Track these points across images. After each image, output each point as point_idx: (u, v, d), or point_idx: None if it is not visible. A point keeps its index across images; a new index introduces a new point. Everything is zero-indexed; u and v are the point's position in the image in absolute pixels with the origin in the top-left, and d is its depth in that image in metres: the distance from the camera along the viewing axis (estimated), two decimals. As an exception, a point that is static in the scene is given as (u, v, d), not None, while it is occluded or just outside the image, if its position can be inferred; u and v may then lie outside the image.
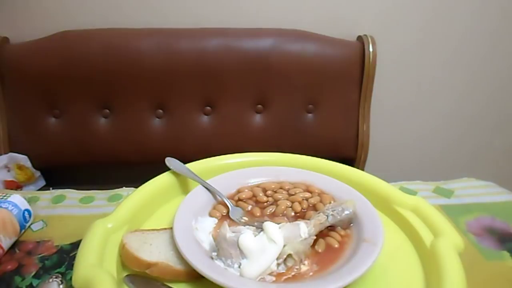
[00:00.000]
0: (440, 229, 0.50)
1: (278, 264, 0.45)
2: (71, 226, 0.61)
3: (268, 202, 0.56)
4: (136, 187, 0.58)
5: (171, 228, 0.48)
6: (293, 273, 0.44)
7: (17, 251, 0.56)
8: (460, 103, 1.33)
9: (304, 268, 0.45)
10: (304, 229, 0.46)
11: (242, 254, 0.44)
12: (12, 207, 0.57)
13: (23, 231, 0.58)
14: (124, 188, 0.71)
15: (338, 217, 0.50)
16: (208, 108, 1.13)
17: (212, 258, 0.45)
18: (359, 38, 1.15)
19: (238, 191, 0.58)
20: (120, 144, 1.13)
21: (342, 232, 0.50)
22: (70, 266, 0.52)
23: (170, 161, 0.62)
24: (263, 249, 0.44)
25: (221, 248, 0.45)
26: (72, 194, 0.69)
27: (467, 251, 0.50)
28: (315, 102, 1.15)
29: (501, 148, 1.42)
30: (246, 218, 0.54)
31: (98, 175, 1.18)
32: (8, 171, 1.07)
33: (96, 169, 1.21)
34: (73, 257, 0.49)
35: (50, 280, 0.46)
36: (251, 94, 1.13)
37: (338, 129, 1.18)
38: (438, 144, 1.39)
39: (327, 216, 0.49)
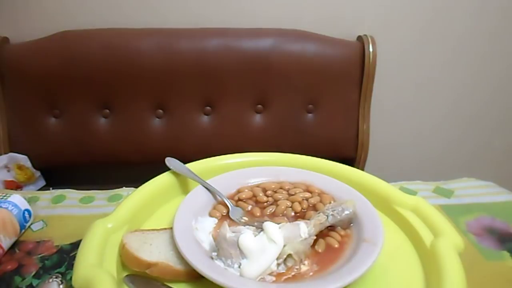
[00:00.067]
0: (440, 229, 0.50)
1: (278, 264, 0.45)
2: (71, 226, 0.61)
3: (268, 202, 0.56)
4: (136, 187, 0.58)
5: (171, 228, 0.48)
6: (293, 273, 0.44)
7: (17, 251, 0.56)
8: (460, 103, 1.33)
9: (304, 268, 0.45)
10: (304, 229, 0.46)
11: (242, 254, 0.44)
12: (12, 207, 0.57)
13: (23, 231, 0.58)
14: (124, 188, 0.71)
15: (338, 217, 0.50)
16: (208, 108, 1.13)
17: (212, 258, 0.45)
18: (359, 38, 1.15)
19: (238, 191, 0.58)
20: (120, 144, 1.13)
21: (342, 232, 0.50)
22: (70, 266, 0.52)
23: (170, 161, 0.62)
24: (263, 249, 0.44)
25: (221, 248, 0.45)
26: (72, 194, 0.69)
27: (467, 251, 0.50)
28: (315, 102, 1.15)
29: (501, 148, 1.42)
30: (246, 218, 0.54)
31: (98, 175, 1.18)
32: (8, 171, 1.07)
33: (96, 169, 1.21)
34: (73, 257, 0.49)
35: (50, 280, 0.46)
36: (251, 94, 1.13)
37: (338, 129, 1.18)
38: (438, 144, 1.39)
39: (327, 216, 0.49)
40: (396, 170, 1.33)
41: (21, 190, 1.05)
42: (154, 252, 0.46)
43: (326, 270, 0.45)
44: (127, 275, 0.45)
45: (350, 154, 1.20)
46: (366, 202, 0.54)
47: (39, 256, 0.55)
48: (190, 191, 0.57)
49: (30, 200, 0.63)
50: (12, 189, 1.03)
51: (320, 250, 0.48)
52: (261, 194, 0.57)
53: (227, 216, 0.54)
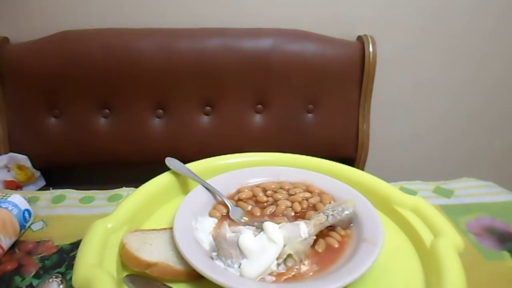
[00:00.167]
0: (440, 229, 0.50)
1: (278, 264, 0.45)
2: (71, 226, 0.61)
3: (268, 202, 0.56)
4: (136, 187, 0.58)
5: (171, 228, 0.48)
6: (293, 273, 0.44)
7: (17, 251, 0.56)
8: (460, 102, 1.33)
9: (304, 268, 0.45)
10: (304, 229, 0.46)
11: (242, 254, 0.44)
12: (12, 207, 0.57)
13: (23, 231, 0.58)
14: (124, 188, 0.71)
15: (338, 217, 0.50)
16: (208, 108, 1.13)
17: (212, 258, 0.45)
18: (359, 38, 1.15)
19: (238, 191, 0.58)
20: (120, 144, 1.13)
21: (342, 232, 0.50)
22: (70, 266, 0.52)
23: (170, 161, 0.62)
24: (263, 249, 0.44)
25: (221, 248, 0.45)
26: (72, 194, 0.69)
27: (467, 251, 0.50)
28: (315, 102, 1.15)
29: (501, 148, 1.42)
30: (246, 218, 0.54)
31: (98, 175, 1.18)
32: (8, 171, 1.07)
33: (96, 169, 1.21)
34: (73, 257, 0.49)
35: (50, 280, 0.46)
36: (251, 94, 1.13)
37: (338, 129, 1.18)
38: (438, 144, 1.39)
39: (327, 216, 0.49)
40: (396, 170, 1.33)
41: (21, 190, 1.05)
42: (154, 252, 0.46)
43: (326, 270, 0.45)
44: (127, 275, 0.45)
45: (350, 154, 1.20)
46: (366, 202, 0.54)
47: (39, 256, 0.55)
48: (190, 191, 0.57)
49: (30, 200, 0.63)
50: (12, 189, 1.03)
51: (320, 250, 0.48)
52: (261, 194, 0.57)
53: (227, 216, 0.54)
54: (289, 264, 0.45)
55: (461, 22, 1.21)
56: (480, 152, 1.42)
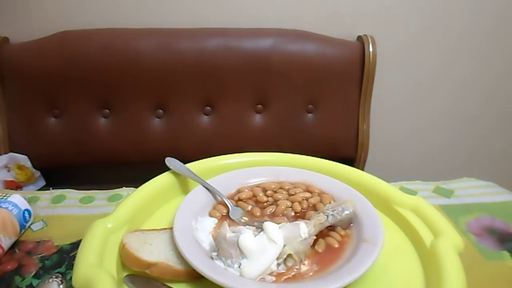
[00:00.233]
0: (440, 229, 0.50)
1: (278, 264, 0.45)
2: (71, 226, 0.61)
3: (268, 202, 0.56)
4: (136, 187, 0.58)
5: (171, 228, 0.48)
6: (293, 273, 0.44)
7: (17, 251, 0.56)
8: (460, 102, 1.33)
9: (304, 268, 0.45)
10: (304, 229, 0.46)
11: (242, 254, 0.44)
12: (12, 207, 0.57)
13: (23, 231, 0.58)
14: (124, 188, 0.71)
15: (338, 217, 0.50)
16: (208, 108, 1.13)
17: (212, 258, 0.45)
18: (359, 38, 1.15)
19: (238, 191, 0.58)
20: (120, 144, 1.13)
21: (342, 232, 0.50)
22: (70, 266, 0.52)
23: (170, 161, 0.62)
24: (263, 249, 0.44)
25: (221, 248, 0.45)
26: (72, 194, 0.69)
27: (467, 251, 0.50)
28: (315, 102, 1.15)
29: (501, 148, 1.42)
30: (246, 218, 0.54)
31: (98, 175, 1.18)
32: (8, 171, 1.07)
33: (96, 169, 1.21)
34: (73, 257, 0.49)
35: (50, 280, 0.46)
36: (251, 94, 1.13)
37: (338, 129, 1.18)
38: (438, 144, 1.39)
39: (327, 216, 0.49)
40: (396, 170, 1.33)
41: (21, 190, 1.05)
42: (154, 252, 0.46)
43: (326, 270, 0.45)
44: (127, 275, 0.45)
45: (350, 154, 1.20)
46: (366, 202, 0.54)
47: (39, 256, 0.55)
48: (190, 191, 0.57)
49: (30, 200, 0.63)
50: (12, 189, 1.03)
51: (320, 250, 0.48)
52: (261, 194, 0.57)
53: (227, 216, 0.54)
54: (289, 264, 0.45)
55: (461, 22, 1.21)
56: (480, 152, 1.42)
